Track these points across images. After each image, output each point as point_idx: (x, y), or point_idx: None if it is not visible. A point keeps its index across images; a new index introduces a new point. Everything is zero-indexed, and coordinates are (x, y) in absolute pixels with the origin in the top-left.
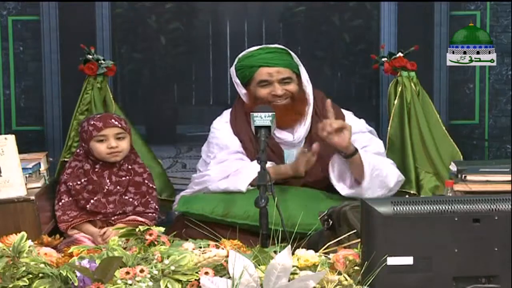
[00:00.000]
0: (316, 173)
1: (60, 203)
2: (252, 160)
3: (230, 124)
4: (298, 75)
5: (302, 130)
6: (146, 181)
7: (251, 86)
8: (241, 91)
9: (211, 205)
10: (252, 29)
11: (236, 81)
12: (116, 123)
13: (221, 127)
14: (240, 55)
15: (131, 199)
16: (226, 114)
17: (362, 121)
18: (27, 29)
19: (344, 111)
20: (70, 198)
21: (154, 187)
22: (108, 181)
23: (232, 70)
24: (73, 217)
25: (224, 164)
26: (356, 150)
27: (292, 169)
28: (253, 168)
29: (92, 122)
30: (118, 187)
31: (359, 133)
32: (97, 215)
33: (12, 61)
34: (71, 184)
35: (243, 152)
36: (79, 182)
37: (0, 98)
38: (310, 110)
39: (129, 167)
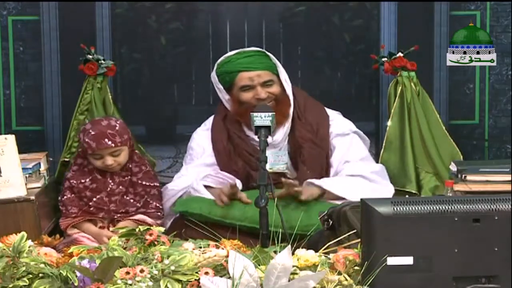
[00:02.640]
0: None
1: (63, 198)
2: (223, 168)
3: (211, 130)
4: (278, 76)
5: (281, 132)
6: (140, 181)
7: (234, 91)
8: (224, 97)
9: (209, 205)
10: (252, 29)
11: (219, 87)
12: (110, 142)
13: (198, 136)
14: (218, 61)
15: (132, 200)
16: (210, 120)
17: (347, 123)
18: (27, 29)
19: (330, 111)
20: (73, 195)
21: (153, 184)
22: (111, 181)
23: (213, 76)
24: (74, 214)
25: (183, 178)
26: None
27: None
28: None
29: (86, 140)
30: (120, 187)
31: (338, 137)
32: (100, 212)
33: (12, 61)
34: (75, 182)
35: (212, 163)
36: (83, 181)
37: (0, 98)
38: (291, 111)
39: (130, 166)
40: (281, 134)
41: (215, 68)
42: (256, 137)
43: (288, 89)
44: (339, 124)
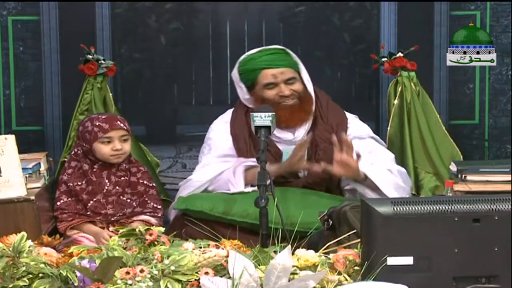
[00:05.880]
0: (316, 174)
1: (59, 203)
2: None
3: (230, 124)
4: (300, 74)
5: (303, 129)
6: (140, 180)
7: (256, 89)
8: (244, 96)
9: (211, 202)
10: (252, 29)
11: (240, 85)
12: (122, 125)
13: (217, 127)
14: (240, 59)
15: (129, 200)
16: (228, 113)
17: (365, 127)
18: (27, 29)
19: (348, 114)
20: (69, 198)
21: (151, 184)
22: (107, 181)
23: (235, 74)
24: (72, 217)
25: (207, 168)
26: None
27: (288, 165)
28: (237, 171)
29: (97, 123)
30: (117, 187)
31: (356, 139)
32: (97, 216)
33: (12, 61)
34: (71, 184)
35: (234, 154)
36: (79, 183)
37: (0, 98)
38: (313, 108)
39: (126, 167)
40: (303, 132)
41: (236, 66)
42: (278, 135)
43: (309, 87)
44: (357, 127)
